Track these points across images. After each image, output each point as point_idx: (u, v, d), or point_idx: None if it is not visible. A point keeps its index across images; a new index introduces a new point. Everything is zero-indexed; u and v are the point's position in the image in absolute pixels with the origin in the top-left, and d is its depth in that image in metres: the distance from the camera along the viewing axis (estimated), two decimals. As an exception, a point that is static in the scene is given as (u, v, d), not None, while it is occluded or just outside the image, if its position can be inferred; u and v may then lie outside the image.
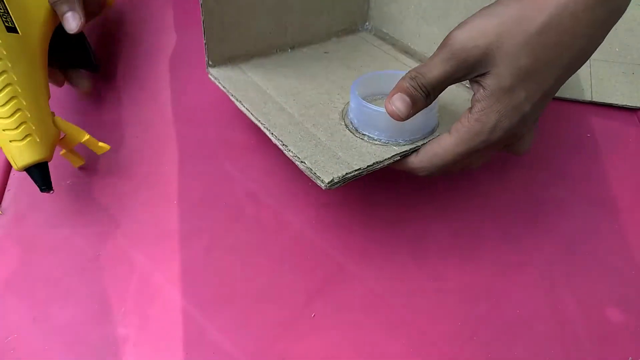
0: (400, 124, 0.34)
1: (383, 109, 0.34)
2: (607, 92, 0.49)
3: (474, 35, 0.31)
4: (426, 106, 0.33)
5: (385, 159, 0.35)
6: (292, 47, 0.47)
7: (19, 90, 0.36)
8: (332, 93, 0.42)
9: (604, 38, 0.32)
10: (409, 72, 0.33)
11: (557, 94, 0.48)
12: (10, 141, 0.35)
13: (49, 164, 0.37)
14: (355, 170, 0.34)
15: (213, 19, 0.40)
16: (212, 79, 0.42)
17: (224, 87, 0.41)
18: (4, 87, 0.35)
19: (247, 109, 0.39)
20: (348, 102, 0.40)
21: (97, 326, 0.35)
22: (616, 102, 0.49)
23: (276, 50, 0.46)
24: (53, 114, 0.38)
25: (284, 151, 0.36)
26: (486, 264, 0.39)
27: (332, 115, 0.39)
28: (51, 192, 0.37)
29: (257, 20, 0.44)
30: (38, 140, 0.36)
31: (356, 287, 0.37)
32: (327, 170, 0.33)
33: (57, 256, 0.38)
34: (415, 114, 0.33)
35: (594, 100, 0.49)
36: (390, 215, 0.41)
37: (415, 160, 0.35)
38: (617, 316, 0.37)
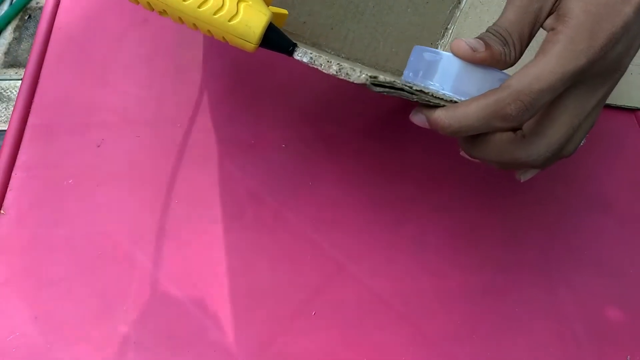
0: (466, 79, 0.28)
1: (449, 53, 0.28)
2: (606, 92, 0.49)
3: None
4: (507, 58, 0.28)
5: (441, 98, 0.28)
6: (348, 58, 0.43)
7: None
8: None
9: None
10: None
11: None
12: (229, 21, 0.30)
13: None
14: (407, 85, 0.28)
15: None
16: None
17: None
18: None
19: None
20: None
21: (98, 325, 0.35)
22: (615, 102, 0.49)
23: (330, 51, 0.42)
24: None
25: (317, 65, 0.30)
26: (486, 264, 0.39)
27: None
28: (297, 47, 0.31)
29: (313, 6, 0.39)
30: (250, 2, 0.30)
31: (356, 286, 0.37)
32: (371, 75, 0.28)
33: (58, 256, 0.38)
34: (490, 60, 0.28)
35: (593, 100, 0.49)
36: (390, 215, 0.41)
37: (504, 92, 0.26)
38: (615, 315, 0.37)
